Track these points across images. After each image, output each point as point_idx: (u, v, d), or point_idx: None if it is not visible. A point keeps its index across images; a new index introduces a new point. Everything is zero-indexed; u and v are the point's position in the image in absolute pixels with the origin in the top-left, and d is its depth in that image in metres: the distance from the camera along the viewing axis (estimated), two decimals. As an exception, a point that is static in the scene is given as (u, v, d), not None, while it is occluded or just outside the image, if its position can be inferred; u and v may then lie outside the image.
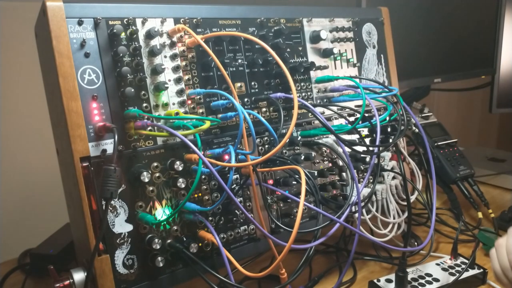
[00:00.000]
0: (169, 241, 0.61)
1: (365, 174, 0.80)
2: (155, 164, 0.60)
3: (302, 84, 0.77)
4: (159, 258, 0.59)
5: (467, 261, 0.76)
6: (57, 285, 0.56)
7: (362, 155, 0.77)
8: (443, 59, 1.27)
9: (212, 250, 0.65)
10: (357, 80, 0.79)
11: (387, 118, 0.74)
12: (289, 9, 0.76)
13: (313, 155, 0.73)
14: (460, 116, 1.91)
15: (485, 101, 1.44)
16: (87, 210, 0.55)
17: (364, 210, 0.75)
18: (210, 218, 0.65)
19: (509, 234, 0.61)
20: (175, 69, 0.63)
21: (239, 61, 0.69)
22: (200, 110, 0.65)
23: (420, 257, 0.82)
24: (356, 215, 0.69)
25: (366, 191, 0.74)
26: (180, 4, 0.65)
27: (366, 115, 0.75)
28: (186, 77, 0.64)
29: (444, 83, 1.28)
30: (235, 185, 0.68)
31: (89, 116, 0.56)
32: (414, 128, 0.90)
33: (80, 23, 0.56)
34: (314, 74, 0.78)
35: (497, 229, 0.91)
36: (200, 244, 0.63)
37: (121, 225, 0.58)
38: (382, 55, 0.89)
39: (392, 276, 0.71)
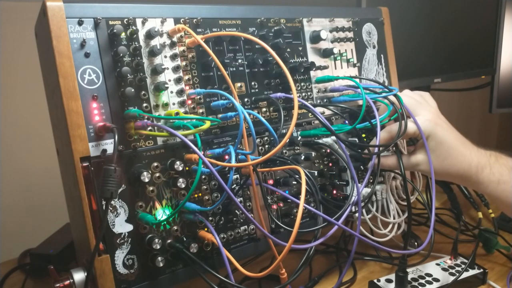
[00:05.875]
0: (169, 241, 0.61)
1: (365, 174, 0.80)
2: (155, 164, 0.60)
3: (302, 84, 0.76)
4: (159, 258, 0.59)
5: (467, 261, 0.76)
6: (57, 285, 0.56)
7: (362, 155, 0.77)
8: (443, 59, 1.27)
9: (212, 250, 0.65)
10: (357, 80, 0.79)
11: (387, 119, 0.74)
12: (289, 9, 0.76)
13: (313, 155, 0.73)
14: (460, 116, 1.91)
15: (485, 101, 1.44)
16: (87, 210, 0.55)
17: (364, 210, 0.75)
18: (210, 218, 0.65)
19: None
20: (175, 69, 0.63)
21: (239, 61, 0.69)
22: (200, 110, 0.65)
23: (420, 257, 0.82)
24: (356, 215, 0.69)
25: (366, 191, 0.74)
26: (180, 4, 0.65)
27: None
28: (186, 77, 0.64)
29: (444, 83, 1.28)
30: (235, 185, 0.68)
31: (89, 116, 0.56)
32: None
33: (80, 23, 0.56)
34: (314, 74, 0.78)
35: (497, 229, 0.90)
36: (200, 244, 0.63)
37: (121, 225, 0.58)
38: (382, 55, 0.89)
39: (392, 276, 0.71)
